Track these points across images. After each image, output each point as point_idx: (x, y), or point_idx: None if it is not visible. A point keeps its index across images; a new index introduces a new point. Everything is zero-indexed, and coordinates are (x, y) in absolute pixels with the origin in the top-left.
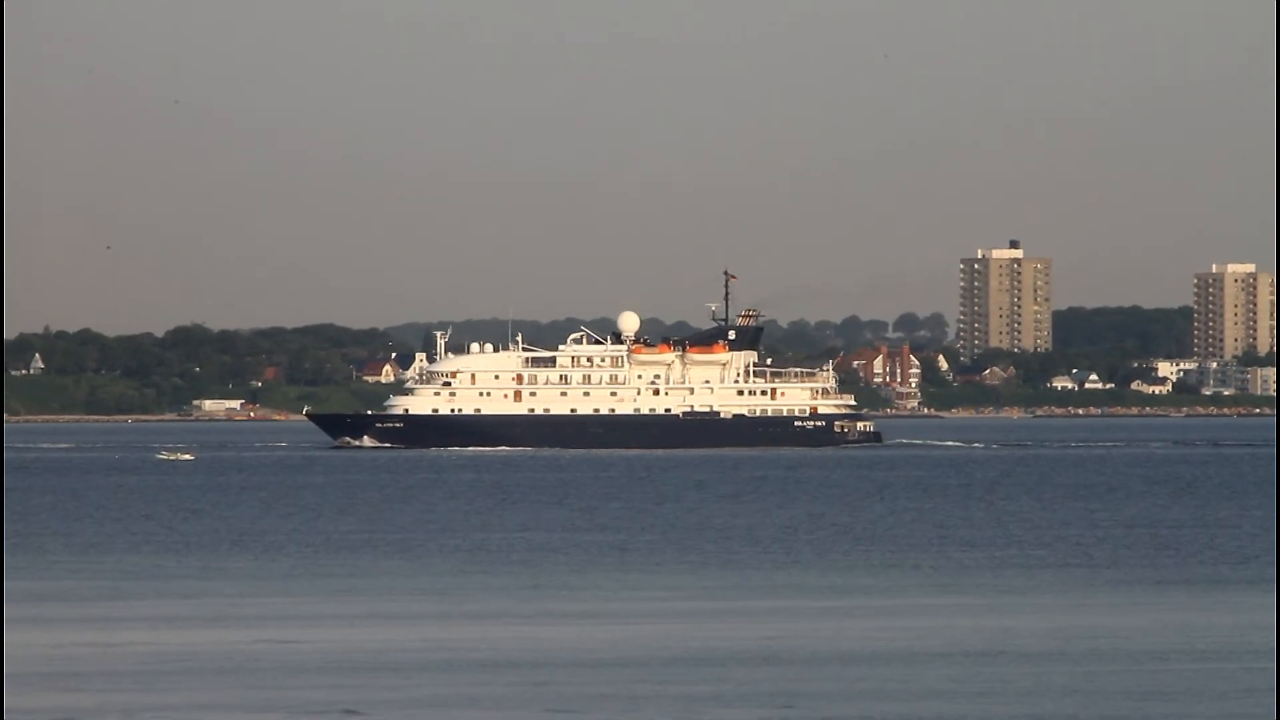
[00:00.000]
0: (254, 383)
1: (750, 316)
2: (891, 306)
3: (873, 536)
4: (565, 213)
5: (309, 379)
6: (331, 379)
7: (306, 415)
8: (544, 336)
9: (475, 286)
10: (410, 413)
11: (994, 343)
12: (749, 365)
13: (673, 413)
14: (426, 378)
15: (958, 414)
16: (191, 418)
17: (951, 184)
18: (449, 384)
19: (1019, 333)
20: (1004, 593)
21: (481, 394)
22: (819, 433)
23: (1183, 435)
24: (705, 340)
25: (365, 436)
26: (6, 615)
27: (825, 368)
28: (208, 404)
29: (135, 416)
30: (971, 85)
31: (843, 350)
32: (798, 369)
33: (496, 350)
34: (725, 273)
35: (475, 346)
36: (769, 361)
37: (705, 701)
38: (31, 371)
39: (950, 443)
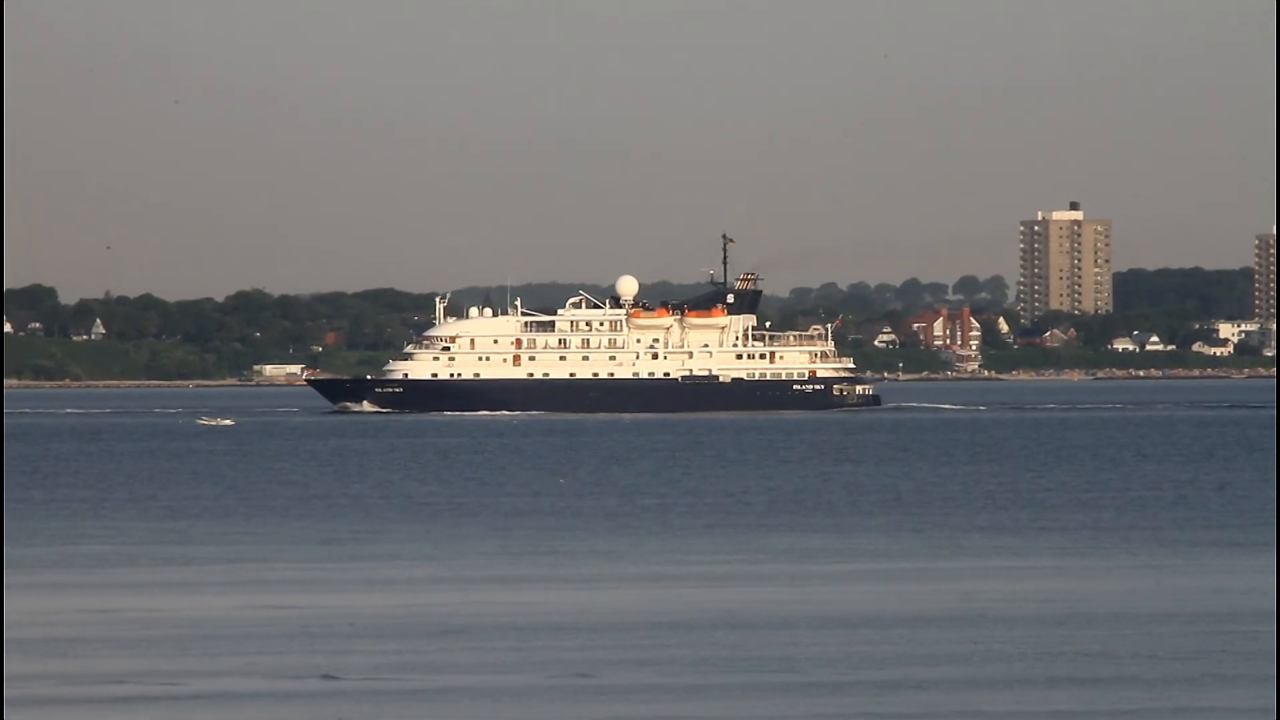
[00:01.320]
0: (314, 348)
1: (749, 280)
2: (952, 269)
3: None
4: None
5: (369, 344)
6: (391, 343)
7: (306, 380)
8: (547, 299)
9: (527, 249)
10: (409, 377)
11: (1054, 305)
12: (748, 329)
13: (671, 376)
14: (425, 342)
15: (1018, 376)
16: (252, 383)
17: (1010, 145)
18: (448, 348)
19: (1079, 295)
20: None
21: (480, 358)
22: (817, 396)
23: (1240, 398)
24: (704, 304)
25: (364, 401)
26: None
27: (822, 331)
28: (268, 369)
29: (196, 382)
30: (1029, 43)
31: (903, 313)
32: (797, 332)
33: (495, 315)
34: (723, 236)
35: (474, 311)
36: (767, 325)
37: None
38: (93, 337)
39: (949, 405)
